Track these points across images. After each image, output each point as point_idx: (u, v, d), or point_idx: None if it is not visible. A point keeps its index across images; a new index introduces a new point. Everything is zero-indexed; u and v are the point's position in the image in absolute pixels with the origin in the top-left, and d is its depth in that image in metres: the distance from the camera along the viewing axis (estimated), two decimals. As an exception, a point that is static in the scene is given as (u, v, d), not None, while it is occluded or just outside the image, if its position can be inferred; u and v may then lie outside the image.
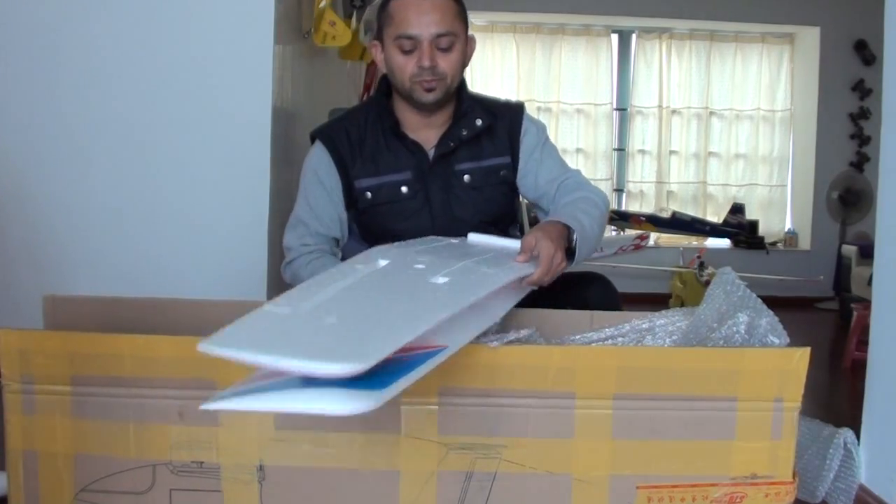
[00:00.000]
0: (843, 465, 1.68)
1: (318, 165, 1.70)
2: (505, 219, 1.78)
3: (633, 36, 6.25)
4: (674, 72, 6.22)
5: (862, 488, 1.71)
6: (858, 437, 1.74)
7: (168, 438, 1.21)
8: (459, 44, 1.62)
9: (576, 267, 1.54)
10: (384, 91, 1.72)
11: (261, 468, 1.22)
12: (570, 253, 1.49)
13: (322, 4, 2.92)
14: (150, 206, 2.59)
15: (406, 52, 1.60)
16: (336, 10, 3.11)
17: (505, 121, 1.73)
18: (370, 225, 1.70)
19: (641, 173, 6.28)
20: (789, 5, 5.87)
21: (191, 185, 2.58)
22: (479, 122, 1.69)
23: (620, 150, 6.30)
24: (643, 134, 6.25)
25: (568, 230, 1.50)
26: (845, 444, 1.69)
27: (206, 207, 2.56)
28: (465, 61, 1.66)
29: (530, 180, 1.73)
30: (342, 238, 1.74)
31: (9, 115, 2.55)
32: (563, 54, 6.15)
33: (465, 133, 1.68)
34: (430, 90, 1.61)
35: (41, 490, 1.24)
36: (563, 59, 6.15)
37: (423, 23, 1.57)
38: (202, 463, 1.22)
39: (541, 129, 1.78)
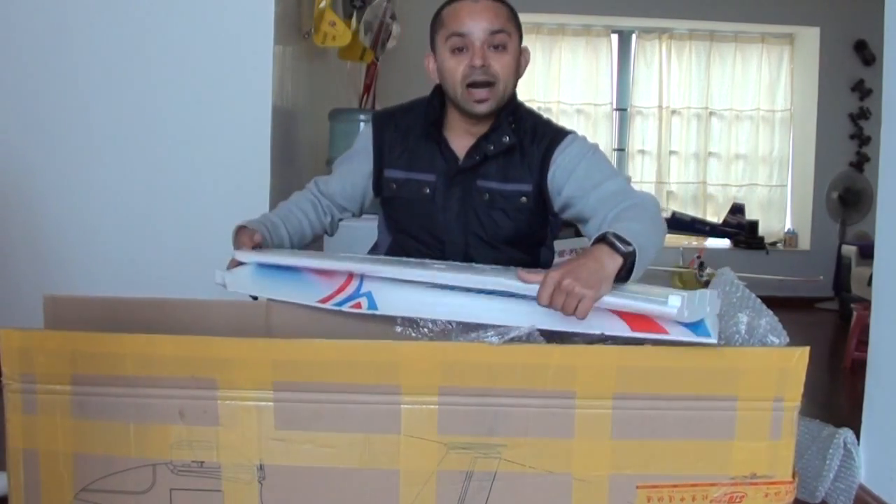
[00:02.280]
0: (843, 465, 1.68)
1: (360, 144, 1.74)
2: (527, 240, 1.71)
3: (633, 36, 6.25)
4: (674, 72, 6.22)
5: (862, 488, 1.71)
6: (858, 437, 1.74)
7: (168, 438, 1.21)
8: (512, 45, 1.57)
9: (636, 277, 1.33)
10: (440, 97, 1.66)
11: (261, 468, 1.22)
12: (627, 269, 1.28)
13: (322, 5, 2.93)
14: (150, 206, 2.59)
15: (457, 52, 1.56)
16: (336, 10, 3.12)
17: (542, 146, 1.61)
18: (391, 214, 1.72)
19: (641, 173, 6.28)
20: (789, 5, 5.87)
21: (191, 184, 2.58)
22: (506, 139, 1.60)
23: (620, 150, 6.30)
24: (643, 134, 6.25)
25: (611, 246, 1.25)
26: (845, 444, 1.69)
27: (206, 207, 2.56)
28: (518, 69, 1.60)
29: (587, 207, 1.56)
30: (352, 211, 1.77)
31: (9, 116, 2.55)
32: (563, 54, 6.15)
33: (491, 148, 1.61)
34: (481, 101, 1.55)
35: (41, 490, 1.24)
36: (563, 59, 6.15)
37: (476, 21, 1.55)
38: (202, 463, 1.22)
39: (582, 153, 1.60)
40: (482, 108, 1.57)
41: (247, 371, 1.19)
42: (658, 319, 1.18)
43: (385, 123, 1.69)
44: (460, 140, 1.64)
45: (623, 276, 1.28)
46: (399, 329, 1.33)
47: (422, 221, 1.66)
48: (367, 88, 4.04)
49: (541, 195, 1.63)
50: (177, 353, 1.20)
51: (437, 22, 1.61)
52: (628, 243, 1.27)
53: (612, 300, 1.20)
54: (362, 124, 2.78)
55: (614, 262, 1.24)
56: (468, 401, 1.20)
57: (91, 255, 2.58)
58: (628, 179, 1.60)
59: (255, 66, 2.55)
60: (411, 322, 1.32)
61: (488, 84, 1.55)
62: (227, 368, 1.19)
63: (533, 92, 6.13)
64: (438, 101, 1.66)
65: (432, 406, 1.20)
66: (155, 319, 1.45)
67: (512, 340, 1.20)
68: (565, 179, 1.59)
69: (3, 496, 1.45)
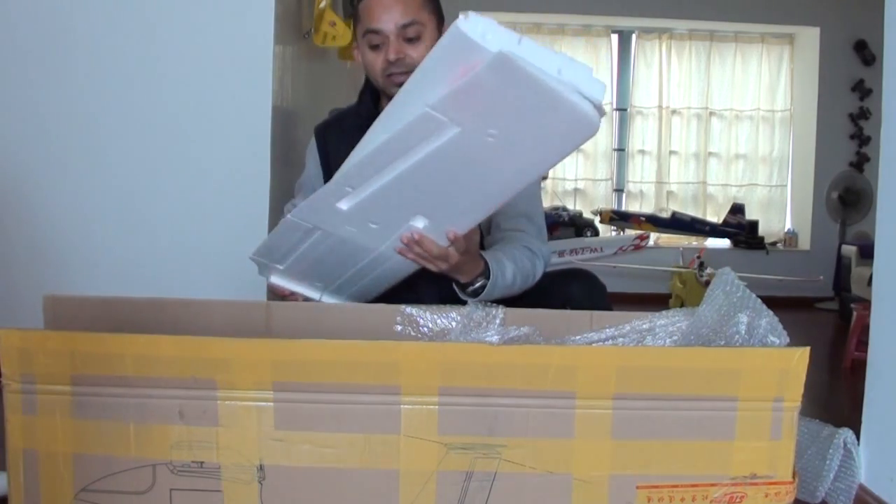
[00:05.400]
0: (843, 465, 1.68)
1: (309, 163, 1.79)
2: None
3: (633, 36, 6.25)
4: (674, 72, 6.23)
5: (862, 488, 1.71)
6: (858, 437, 1.74)
7: (168, 438, 1.21)
8: (429, 33, 1.59)
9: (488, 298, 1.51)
10: (373, 91, 1.72)
11: (261, 468, 1.22)
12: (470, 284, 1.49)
13: (322, 5, 2.93)
14: (150, 206, 2.59)
15: (375, 49, 1.59)
16: (336, 10, 3.11)
17: None
18: None
19: (641, 173, 6.29)
20: (789, 5, 5.87)
21: (191, 185, 2.58)
22: None
23: (620, 150, 6.30)
24: (643, 134, 6.26)
25: (486, 269, 1.48)
26: (845, 444, 1.69)
27: (206, 207, 2.57)
28: None
29: None
30: None
31: (9, 116, 2.56)
32: (563, 54, 6.16)
33: None
34: (400, 84, 1.58)
35: (41, 490, 1.24)
36: (563, 59, 6.15)
37: (387, 15, 1.56)
38: (202, 463, 1.22)
39: None
40: None
41: (247, 371, 1.19)
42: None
43: (326, 133, 1.75)
44: None
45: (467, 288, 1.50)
46: (399, 329, 1.33)
47: None
48: (367, 88, 4.03)
49: None
50: (177, 353, 1.20)
51: (356, 17, 1.64)
52: (484, 287, 1.48)
53: None
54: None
55: (467, 278, 1.48)
56: (468, 401, 1.20)
57: (91, 255, 2.58)
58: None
59: (255, 66, 2.55)
60: (411, 322, 1.32)
61: (407, 74, 1.58)
62: (227, 368, 1.19)
63: (533, 92, 6.14)
64: (371, 96, 1.70)
65: (432, 406, 1.20)
66: (155, 319, 1.45)
67: (511, 339, 1.20)
68: None
69: (3, 496, 1.45)
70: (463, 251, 1.39)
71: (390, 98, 1.60)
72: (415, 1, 1.58)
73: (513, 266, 1.55)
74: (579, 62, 1.08)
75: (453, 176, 1.21)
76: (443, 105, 1.06)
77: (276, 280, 1.53)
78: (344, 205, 1.28)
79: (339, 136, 1.70)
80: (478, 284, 1.49)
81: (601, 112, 1.12)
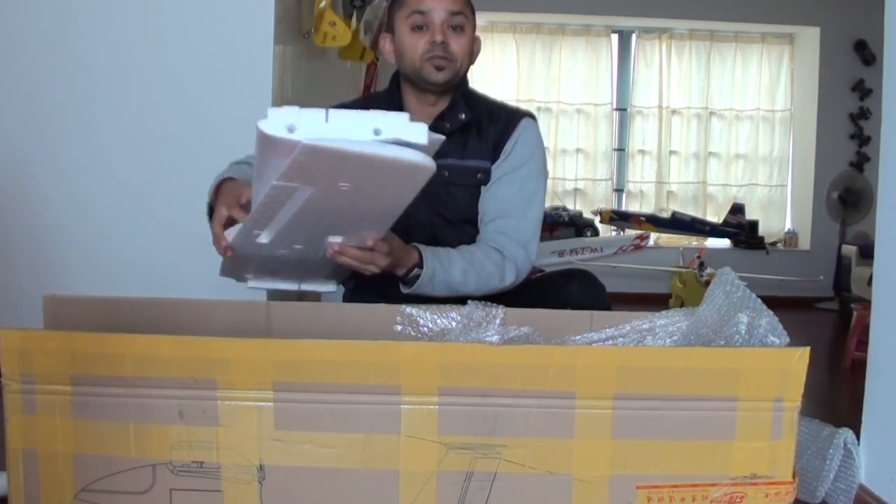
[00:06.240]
0: (843, 465, 1.68)
1: None
2: (469, 220, 1.74)
3: (633, 36, 6.25)
4: (674, 72, 6.23)
5: (862, 488, 1.71)
6: (858, 437, 1.74)
7: (168, 438, 1.21)
8: (469, 29, 1.65)
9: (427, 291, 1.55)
10: (396, 83, 1.74)
11: (261, 468, 1.22)
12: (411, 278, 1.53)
13: (322, 4, 2.93)
14: (150, 206, 2.59)
15: (417, 30, 1.61)
16: (336, 10, 3.11)
17: (499, 125, 1.69)
18: None
19: (641, 173, 6.29)
20: (789, 5, 5.87)
21: (191, 184, 2.57)
22: (462, 116, 1.67)
23: (620, 150, 6.30)
24: (643, 134, 6.26)
25: (420, 261, 1.52)
26: (845, 444, 1.69)
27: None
28: (472, 54, 1.67)
29: (486, 195, 1.69)
30: None
31: (9, 116, 2.55)
32: (563, 54, 6.16)
33: (448, 126, 1.66)
34: (440, 69, 1.61)
35: (41, 490, 1.24)
36: (562, 59, 6.16)
37: (437, 1, 1.61)
38: (202, 463, 1.22)
39: (533, 150, 1.70)
40: (440, 77, 1.62)
41: (246, 371, 1.19)
42: None
43: None
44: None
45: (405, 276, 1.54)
46: (399, 329, 1.33)
47: None
48: (367, 88, 4.04)
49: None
50: (177, 353, 1.20)
51: (396, 2, 1.66)
52: (418, 277, 1.52)
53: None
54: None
55: (403, 269, 1.52)
56: (468, 401, 1.20)
57: (91, 255, 2.58)
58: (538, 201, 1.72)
59: (255, 66, 2.55)
60: (411, 322, 1.32)
61: (446, 59, 1.61)
62: (226, 369, 1.19)
63: (533, 92, 6.14)
64: (397, 89, 1.72)
65: (432, 406, 1.20)
66: (155, 319, 1.45)
67: (511, 339, 1.20)
68: (503, 168, 1.68)
69: (3, 496, 1.45)
70: (387, 252, 1.42)
71: (422, 79, 1.63)
72: None
73: (464, 263, 1.57)
74: (394, 114, 1.12)
75: (339, 211, 1.26)
76: (285, 178, 1.13)
77: (254, 284, 1.60)
78: (264, 239, 1.34)
79: None
80: (412, 274, 1.53)
81: (433, 147, 1.15)
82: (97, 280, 2.51)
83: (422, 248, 1.55)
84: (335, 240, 1.37)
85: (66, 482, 1.24)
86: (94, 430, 1.23)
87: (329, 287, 1.64)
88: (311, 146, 1.05)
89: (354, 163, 1.09)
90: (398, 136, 1.11)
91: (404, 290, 1.56)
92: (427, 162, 1.12)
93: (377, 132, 1.10)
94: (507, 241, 1.64)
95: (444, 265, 1.55)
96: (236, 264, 1.50)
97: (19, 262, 2.58)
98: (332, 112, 1.10)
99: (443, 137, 1.17)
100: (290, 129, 1.09)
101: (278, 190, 1.17)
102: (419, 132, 1.12)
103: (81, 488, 1.24)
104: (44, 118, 2.55)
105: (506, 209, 1.66)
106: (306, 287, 1.62)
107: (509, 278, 1.62)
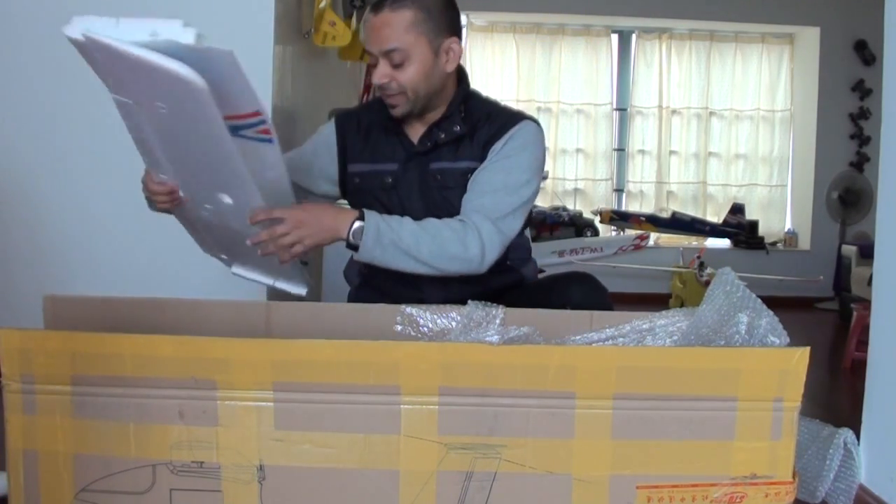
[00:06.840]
0: (843, 465, 1.68)
1: (319, 136, 1.82)
2: None
3: (633, 36, 6.24)
4: (674, 72, 6.22)
5: (862, 488, 1.71)
6: (858, 437, 1.74)
7: (168, 438, 1.21)
8: (416, 55, 1.57)
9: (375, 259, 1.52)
10: None
11: (261, 468, 1.22)
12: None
13: (322, 4, 2.93)
14: (150, 206, 2.58)
15: (374, 67, 1.63)
16: (336, 10, 3.11)
17: (493, 127, 1.66)
18: (357, 207, 1.68)
19: (641, 173, 6.28)
20: (789, 5, 5.87)
21: (191, 185, 2.58)
22: (457, 128, 1.66)
23: (620, 150, 6.30)
24: (643, 134, 6.25)
25: (360, 215, 1.51)
26: (845, 444, 1.69)
27: (206, 207, 2.56)
28: (429, 72, 1.60)
29: (469, 183, 1.66)
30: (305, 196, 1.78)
31: (9, 116, 2.55)
32: (563, 54, 6.15)
33: (442, 136, 1.66)
34: (393, 106, 1.63)
35: (41, 490, 1.24)
36: (563, 59, 6.15)
37: (374, 40, 1.59)
38: (202, 463, 1.22)
39: (525, 145, 1.65)
40: (396, 112, 1.64)
41: (246, 371, 1.19)
42: None
43: (347, 122, 1.77)
44: (416, 129, 1.70)
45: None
46: (399, 329, 1.33)
47: (386, 210, 1.66)
48: (367, 88, 4.03)
49: None
50: (176, 353, 1.20)
51: None
52: (359, 240, 1.49)
53: None
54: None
55: (343, 230, 1.50)
56: (468, 401, 1.20)
57: (91, 255, 2.58)
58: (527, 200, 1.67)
59: (255, 66, 2.53)
60: (411, 322, 1.32)
61: (395, 94, 1.61)
62: (226, 369, 1.19)
63: (533, 92, 6.13)
64: None
65: (432, 406, 1.20)
66: (155, 319, 1.45)
67: (511, 339, 1.20)
68: (491, 158, 1.65)
69: (3, 496, 1.45)
70: (297, 225, 1.44)
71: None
72: (401, 25, 1.56)
73: (414, 226, 1.53)
74: (172, 20, 1.26)
75: (187, 149, 1.35)
76: (111, 89, 1.33)
77: (237, 270, 1.67)
78: (164, 175, 1.44)
79: (356, 129, 1.75)
80: (355, 227, 1.50)
81: (213, 63, 1.27)
82: (97, 280, 2.50)
83: (367, 210, 1.53)
84: (226, 199, 1.40)
85: (66, 482, 1.24)
86: (94, 430, 1.23)
87: (300, 290, 1.66)
88: (90, 38, 1.17)
89: (134, 66, 1.18)
90: (171, 37, 1.21)
91: (356, 257, 1.52)
92: (193, 77, 1.20)
93: (154, 34, 1.21)
94: (474, 214, 1.58)
95: (391, 226, 1.51)
96: (193, 228, 1.60)
97: (19, 262, 2.58)
98: (124, 19, 1.20)
99: (229, 50, 1.29)
100: (85, 34, 1.21)
101: (121, 108, 1.34)
102: (188, 35, 1.26)
103: (81, 488, 1.24)
104: (44, 118, 2.55)
105: (484, 190, 1.62)
106: (280, 286, 1.65)
107: (473, 249, 1.53)
